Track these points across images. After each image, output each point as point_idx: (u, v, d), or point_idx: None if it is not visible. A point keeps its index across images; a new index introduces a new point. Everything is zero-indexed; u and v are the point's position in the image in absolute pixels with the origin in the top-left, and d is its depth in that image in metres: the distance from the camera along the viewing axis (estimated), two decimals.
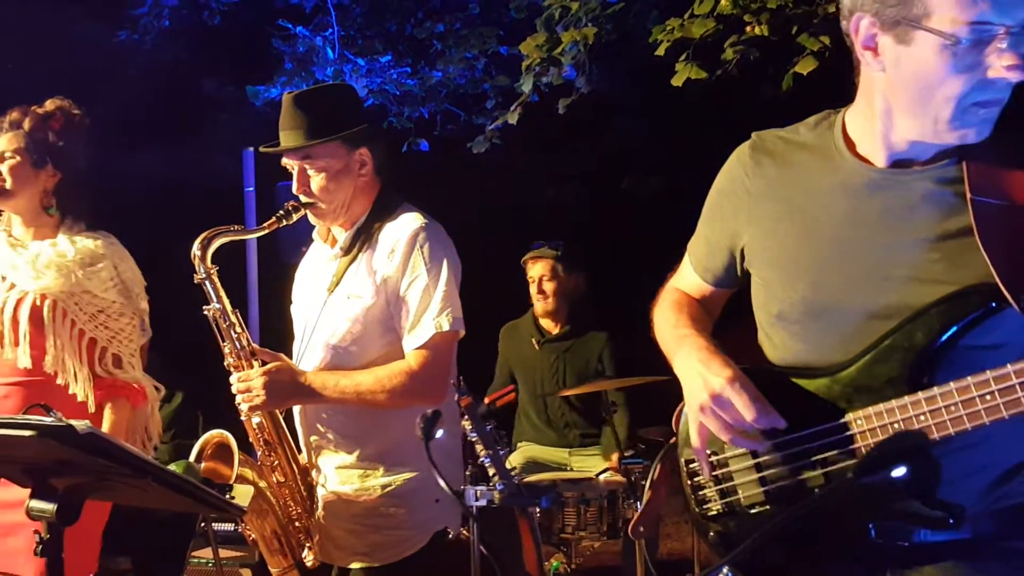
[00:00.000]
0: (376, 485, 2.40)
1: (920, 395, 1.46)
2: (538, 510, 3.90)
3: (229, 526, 3.88)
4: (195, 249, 2.42)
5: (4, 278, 2.68)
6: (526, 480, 4.22)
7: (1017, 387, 1.38)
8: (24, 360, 2.59)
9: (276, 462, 2.48)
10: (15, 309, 2.63)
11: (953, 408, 1.43)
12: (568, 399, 4.53)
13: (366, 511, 2.40)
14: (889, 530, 1.52)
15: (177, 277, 2.58)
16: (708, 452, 1.71)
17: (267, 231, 2.50)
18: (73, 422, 1.63)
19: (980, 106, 1.45)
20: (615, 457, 4.17)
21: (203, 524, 3.77)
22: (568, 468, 4.53)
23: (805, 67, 4.56)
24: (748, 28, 4.75)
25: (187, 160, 6.88)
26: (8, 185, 2.67)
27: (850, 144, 1.61)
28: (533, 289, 4.63)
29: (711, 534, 1.73)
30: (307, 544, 2.48)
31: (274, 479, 2.49)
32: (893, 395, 1.49)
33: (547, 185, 9.58)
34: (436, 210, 2.53)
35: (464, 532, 2.51)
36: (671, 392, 1.79)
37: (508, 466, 2.25)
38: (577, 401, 4.54)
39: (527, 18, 6.28)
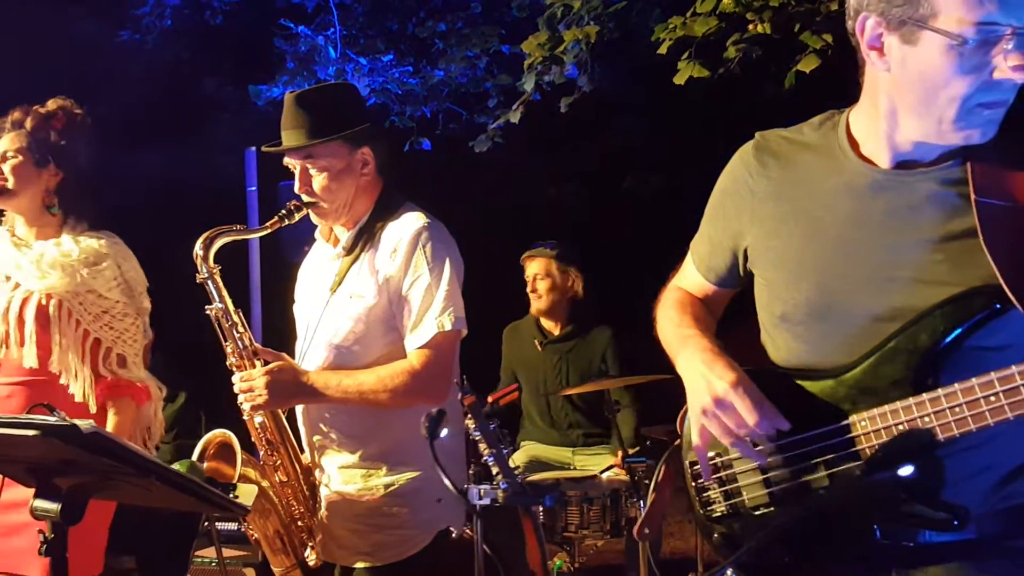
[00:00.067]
0: (379, 485, 2.40)
1: (924, 397, 1.46)
2: (541, 509, 3.90)
3: (232, 525, 3.88)
4: (197, 249, 2.41)
5: (8, 278, 2.68)
6: (529, 479, 4.22)
7: (1021, 388, 1.38)
8: (30, 360, 2.60)
9: (279, 462, 2.49)
10: (20, 309, 2.63)
11: (957, 410, 1.43)
12: (571, 399, 4.53)
13: (369, 511, 2.40)
14: (894, 531, 1.52)
15: (179, 277, 2.58)
16: (712, 454, 1.71)
17: (269, 231, 2.50)
18: (77, 421, 1.63)
19: (985, 107, 1.45)
20: (619, 455, 4.17)
21: (206, 523, 3.77)
22: (571, 467, 4.53)
23: (807, 65, 4.55)
24: (750, 26, 4.75)
25: (189, 160, 6.88)
26: (10, 185, 2.67)
27: (854, 144, 1.61)
28: (528, 288, 4.64)
29: (715, 535, 1.72)
30: (310, 543, 2.48)
31: (277, 479, 2.49)
32: (897, 397, 1.49)
33: (549, 184, 9.59)
34: (438, 209, 2.53)
35: (467, 531, 2.51)
36: (675, 391, 1.79)
37: (511, 465, 2.24)
38: (580, 401, 4.54)
39: (529, 17, 6.29)
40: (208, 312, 2.45)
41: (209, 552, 3.89)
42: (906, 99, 1.50)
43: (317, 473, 2.50)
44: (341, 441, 2.44)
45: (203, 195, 6.54)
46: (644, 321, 1.95)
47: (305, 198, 2.46)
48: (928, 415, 1.46)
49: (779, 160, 1.68)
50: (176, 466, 2.13)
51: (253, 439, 2.50)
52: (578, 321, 4.62)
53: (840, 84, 1.75)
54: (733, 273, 1.80)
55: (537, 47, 5.31)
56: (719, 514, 1.71)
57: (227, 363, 2.46)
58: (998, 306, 1.44)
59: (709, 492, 1.73)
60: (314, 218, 2.53)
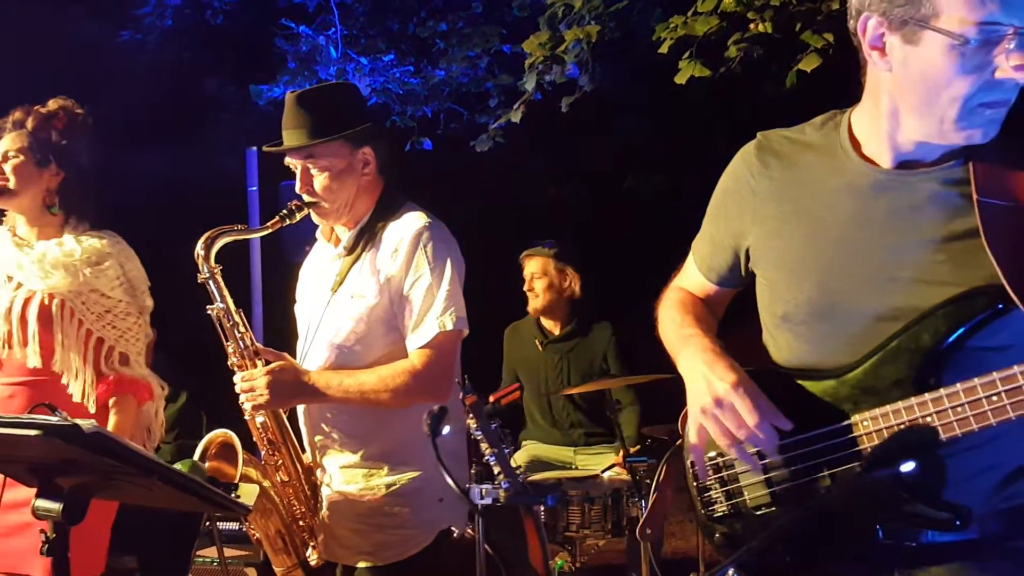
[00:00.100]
0: (380, 484, 2.40)
1: (927, 396, 1.46)
2: (543, 508, 3.90)
3: (234, 525, 3.88)
4: (198, 249, 2.41)
5: (11, 278, 2.68)
6: (530, 479, 4.22)
7: None
8: (34, 360, 2.60)
9: (280, 461, 2.49)
10: (23, 309, 2.64)
11: (960, 409, 1.42)
12: (572, 398, 4.53)
13: (370, 510, 2.40)
14: (896, 531, 1.52)
15: (180, 277, 2.59)
16: (713, 453, 1.71)
17: (270, 230, 2.50)
18: (79, 421, 1.63)
19: (987, 107, 1.45)
20: (620, 455, 4.17)
21: (208, 523, 3.77)
22: (573, 467, 4.53)
23: (809, 64, 4.55)
24: (752, 25, 4.74)
25: (190, 160, 6.88)
26: (12, 185, 2.68)
27: (856, 145, 1.61)
28: (525, 286, 4.65)
29: (717, 535, 1.72)
30: (311, 543, 2.48)
31: (278, 478, 2.49)
32: (899, 397, 1.49)
33: (550, 184, 9.59)
34: (439, 209, 2.53)
35: (468, 531, 2.51)
36: (676, 391, 1.79)
37: (512, 465, 2.24)
38: (582, 400, 4.54)
39: (530, 16, 6.28)
40: (209, 312, 2.45)
41: (211, 552, 3.89)
42: (908, 99, 1.50)
43: (319, 473, 2.50)
44: (343, 441, 2.44)
45: (204, 195, 6.54)
46: (646, 321, 1.95)
47: (306, 198, 2.46)
48: (930, 415, 1.45)
49: (781, 160, 1.68)
50: (178, 466, 2.14)
51: (255, 439, 2.50)
52: (579, 320, 4.62)
53: (841, 84, 1.75)
54: (735, 273, 1.80)
55: (538, 46, 5.31)
56: (720, 514, 1.71)
57: (228, 363, 2.46)
58: (1000, 306, 1.44)
59: (710, 492, 1.73)
60: (315, 218, 2.53)
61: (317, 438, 2.48)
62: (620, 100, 7.55)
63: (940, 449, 1.44)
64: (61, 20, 7.23)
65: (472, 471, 3.65)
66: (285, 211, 2.46)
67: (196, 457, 2.49)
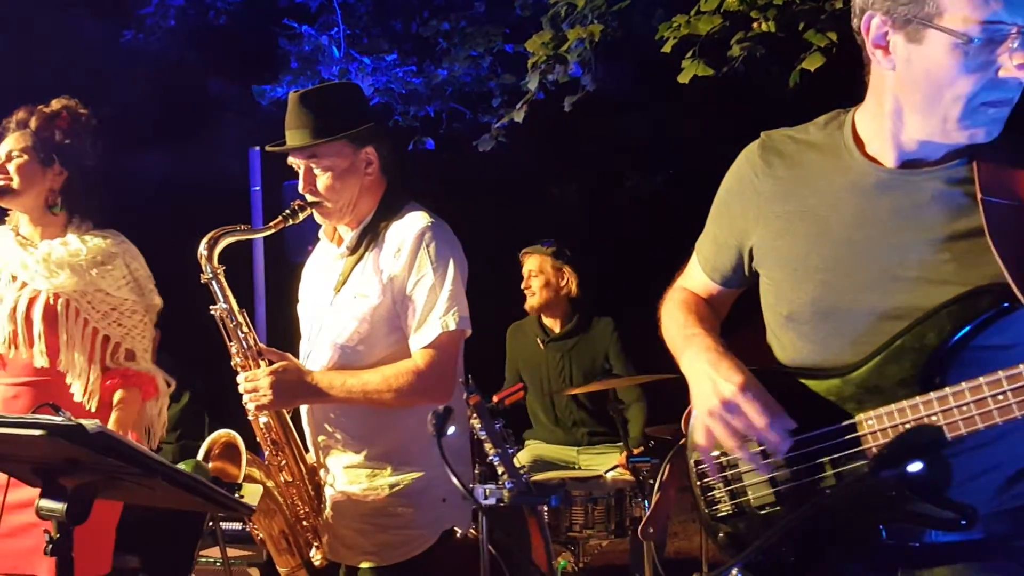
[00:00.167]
0: (384, 484, 2.40)
1: (932, 395, 1.45)
2: (546, 509, 3.90)
3: (237, 525, 3.88)
4: (201, 249, 2.42)
5: (15, 277, 2.68)
6: (534, 479, 4.22)
7: None
8: (41, 360, 2.61)
9: (283, 462, 2.49)
10: (28, 308, 2.64)
11: (965, 408, 1.42)
12: (576, 397, 4.53)
13: (374, 510, 2.40)
14: (900, 530, 1.52)
15: (184, 277, 2.59)
16: (717, 453, 1.71)
17: (273, 230, 2.50)
18: (83, 421, 1.63)
19: (990, 105, 1.45)
20: (623, 456, 4.16)
21: (211, 523, 3.77)
22: (576, 467, 4.53)
23: (812, 63, 4.55)
24: (755, 24, 4.74)
25: (193, 160, 6.89)
26: (15, 184, 2.68)
27: (860, 144, 1.61)
28: (523, 284, 4.65)
29: (721, 535, 1.72)
30: (315, 543, 2.48)
31: (281, 479, 2.49)
32: (904, 396, 1.49)
33: (553, 183, 9.58)
34: (442, 209, 2.52)
35: (472, 531, 2.51)
36: (679, 391, 1.79)
37: (516, 464, 2.25)
38: (585, 399, 4.54)
39: (533, 16, 6.28)
40: (212, 312, 2.45)
41: (214, 552, 3.90)
42: (911, 98, 1.50)
43: (322, 473, 2.50)
44: (346, 441, 2.44)
45: (207, 195, 6.54)
46: (648, 321, 1.94)
47: (309, 198, 2.46)
48: (936, 414, 1.45)
49: (785, 160, 1.68)
50: (182, 466, 2.14)
51: (258, 439, 2.50)
52: (579, 317, 4.62)
53: (845, 83, 1.74)
54: (738, 273, 1.80)
55: (541, 46, 5.31)
56: (724, 513, 1.71)
57: (232, 363, 2.46)
58: (1006, 304, 1.43)
59: (714, 491, 1.72)
60: (318, 218, 2.53)
61: (320, 438, 2.48)
62: (623, 99, 7.55)
63: (945, 448, 1.43)
64: (64, 20, 7.23)
65: (476, 471, 3.65)
66: (288, 211, 2.46)
67: (200, 457, 2.49)
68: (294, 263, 4.23)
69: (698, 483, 1.76)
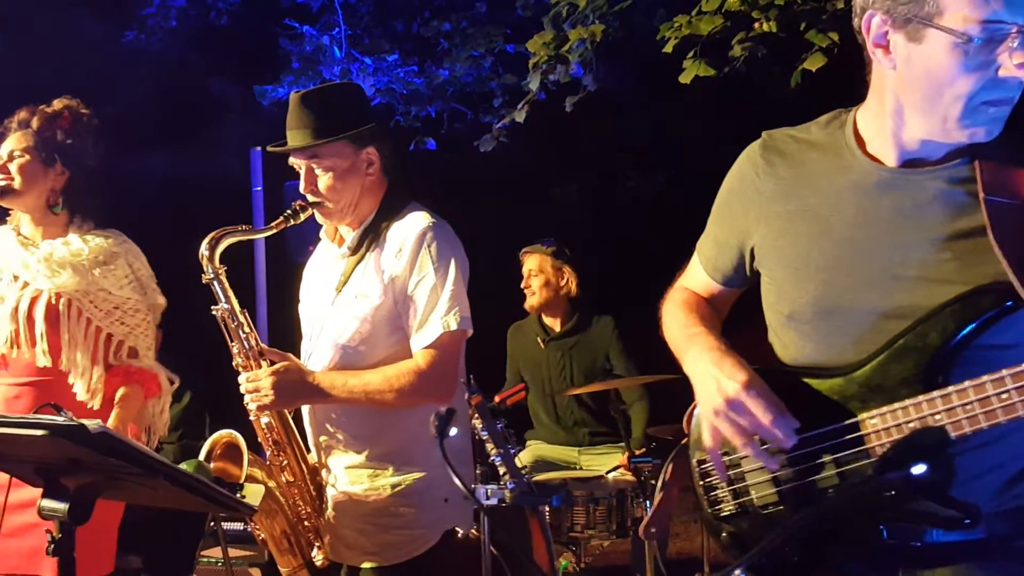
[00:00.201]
0: (386, 485, 2.40)
1: (935, 394, 1.45)
2: (548, 509, 3.89)
3: (239, 525, 3.88)
4: (203, 249, 2.42)
5: (16, 277, 2.69)
6: (535, 479, 4.22)
7: None
8: (43, 359, 2.61)
9: (285, 462, 2.49)
10: (30, 308, 2.64)
11: (969, 407, 1.42)
12: (577, 397, 4.52)
13: (376, 511, 2.40)
14: (901, 530, 1.52)
15: (185, 277, 2.59)
16: (720, 453, 1.70)
17: (275, 231, 2.50)
18: (85, 421, 1.63)
19: (990, 105, 1.45)
20: (625, 457, 4.16)
21: (212, 523, 3.78)
22: (577, 467, 4.53)
23: (814, 64, 4.55)
24: (756, 25, 4.74)
25: (194, 160, 6.89)
26: (17, 184, 2.68)
27: (861, 143, 1.61)
28: (523, 284, 4.65)
29: (723, 535, 1.72)
30: (317, 544, 2.48)
31: (283, 479, 2.49)
32: (908, 395, 1.49)
33: (554, 183, 9.59)
34: (443, 209, 2.52)
35: (474, 531, 2.51)
36: (681, 391, 1.78)
37: (518, 465, 2.24)
38: (587, 399, 4.53)
39: (534, 16, 6.28)
40: (214, 313, 2.45)
41: (215, 552, 3.90)
42: (912, 97, 1.50)
43: (324, 473, 2.50)
44: (348, 441, 2.44)
45: (208, 196, 6.54)
46: (649, 321, 1.94)
47: (310, 198, 2.46)
48: (939, 412, 1.45)
49: (786, 159, 1.68)
50: (184, 466, 2.14)
51: (259, 439, 2.50)
52: (579, 316, 4.62)
53: (847, 83, 1.74)
54: (740, 273, 1.80)
55: (542, 46, 5.31)
56: (727, 513, 1.71)
57: (233, 363, 2.46)
58: (1009, 303, 1.43)
59: (717, 491, 1.72)
60: (319, 218, 2.53)
61: (322, 438, 2.48)
62: (624, 100, 7.55)
63: (949, 448, 1.43)
64: (65, 21, 7.24)
65: (478, 471, 3.64)
66: (289, 211, 2.46)
67: (201, 457, 2.49)
68: (295, 263, 4.23)
69: (701, 483, 1.75)
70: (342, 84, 4.09)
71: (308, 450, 2.54)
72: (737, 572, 1.35)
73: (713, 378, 1.60)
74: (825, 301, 1.60)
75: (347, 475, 2.44)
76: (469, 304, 2.42)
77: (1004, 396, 1.39)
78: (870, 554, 1.55)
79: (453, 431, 2.10)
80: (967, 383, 1.42)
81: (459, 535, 2.45)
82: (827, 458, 1.56)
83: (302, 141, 2.43)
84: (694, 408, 1.76)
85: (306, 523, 2.49)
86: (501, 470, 2.25)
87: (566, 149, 8.66)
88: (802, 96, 4.75)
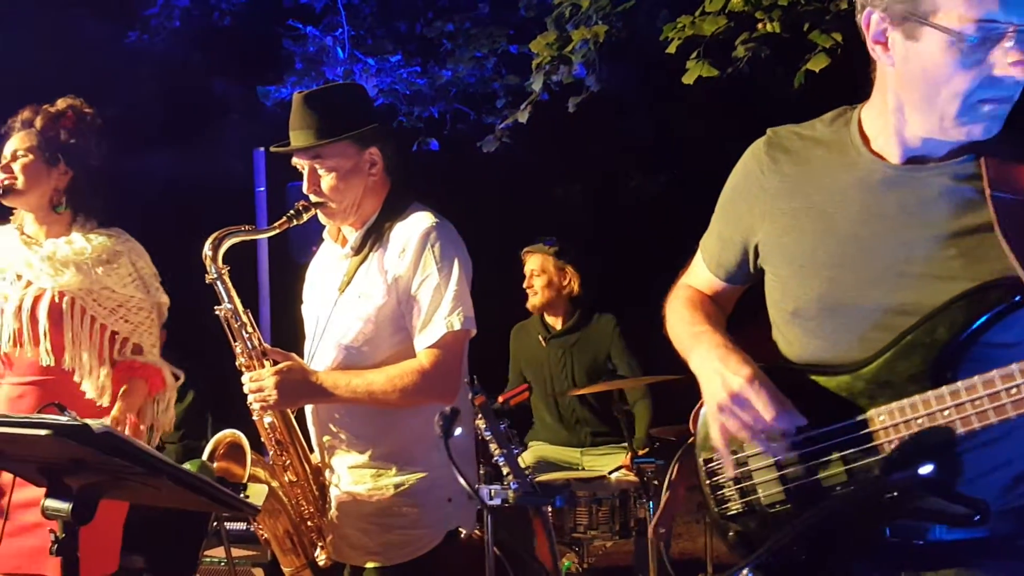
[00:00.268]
0: (389, 484, 2.40)
1: (944, 389, 1.45)
2: (551, 509, 3.89)
3: (241, 525, 3.89)
4: (206, 249, 2.42)
5: (20, 276, 2.69)
6: (538, 479, 4.21)
7: None
8: (46, 358, 2.61)
9: (288, 462, 2.49)
10: (33, 307, 2.64)
11: (978, 402, 1.41)
12: (580, 395, 4.52)
13: (379, 510, 2.40)
14: (905, 529, 1.51)
15: (188, 277, 2.59)
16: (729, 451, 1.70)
17: (278, 231, 2.50)
18: (89, 421, 1.63)
19: (986, 103, 1.45)
20: (628, 457, 4.16)
21: (216, 523, 3.78)
22: (579, 468, 4.52)
23: (817, 64, 4.54)
24: (759, 25, 4.73)
25: (198, 160, 6.90)
26: (20, 184, 2.69)
27: (866, 140, 1.61)
28: (525, 283, 4.65)
29: (731, 534, 1.71)
30: (320, 543, 2.48)
31: (286, 479, 2.49)
32: (916, 391, 1.48)
33: (557, 183, 9.59)
34: (446, 209, 2.52)
35: (477, 532, 2.50)
36: (683, 391, 1.78)
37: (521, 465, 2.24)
38: (590, 397, 4.53)
39: (537, 16, 6.28)
40: (217, 312, 2.45)
41: (218, 552, 3.90)
42: (910, 95, 1.51)
43: (327, 473, 2.50)
44: (351, 441, 2.44)
45: (211, 196, 6.56)
46: (651, 321, 1.94)
47: (313, 198, 2.46)
48: (948, 408, 1.44)
49: (791, 156, 1.68)
50: (187, 466, 2.14)
51: (263, 439, 2.50)
52: (580, 313, 4.62)
53: (850, 83, 1.74)
54: (744, 270, 1.80)
55: (545, 47, 5.31)
56: (734, 512, 1.70)
57: (236, 363, 2.46)
58: (1018, 298, 1.43)
59: (723, 490, 1.72)
60: (322, 218, 2.53)
61: (325, 438, 2.48)
62: (627, 100, 7.55)
63: (957, 445, 1.43)
64: (69, 21, 7.25)
65: (481, 472, 3.64)
66: (292, 211, 2.46)
67: (204, 457, 2.49)
68: (298, 264, 4.23)
69: (707, 482, 1.75)
70: (345, 84, 4.10)
71: (311, 450, 2.54)
72: (745, 571, 1.35)
73: (718, 374, 1.60)
74: (830, 298, 1.60)
75: (350, 475, 2.44)
76: (472, 304, 2.42)
77: (1013, 390, 1.38)
78: (876, 553, 1.55)
79: (458, 431, 2.10)
80: (976, 378, 1.42)
81: (462, 535, 2.45)
82: (835, 455, 1.56)
83: (305, 141, 2.43)
84: (700, 407, 1.76)
85: (309, 523, 2.49)
86: (504, 470, 2.25)
87: (569, 150, 8.66)
88: (805, 97, 4.74)
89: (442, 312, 2.35)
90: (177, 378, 2.85)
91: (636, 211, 9.17)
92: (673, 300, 1.88)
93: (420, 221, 2.42)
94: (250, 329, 2.44)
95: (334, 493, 2.47)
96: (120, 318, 2.71)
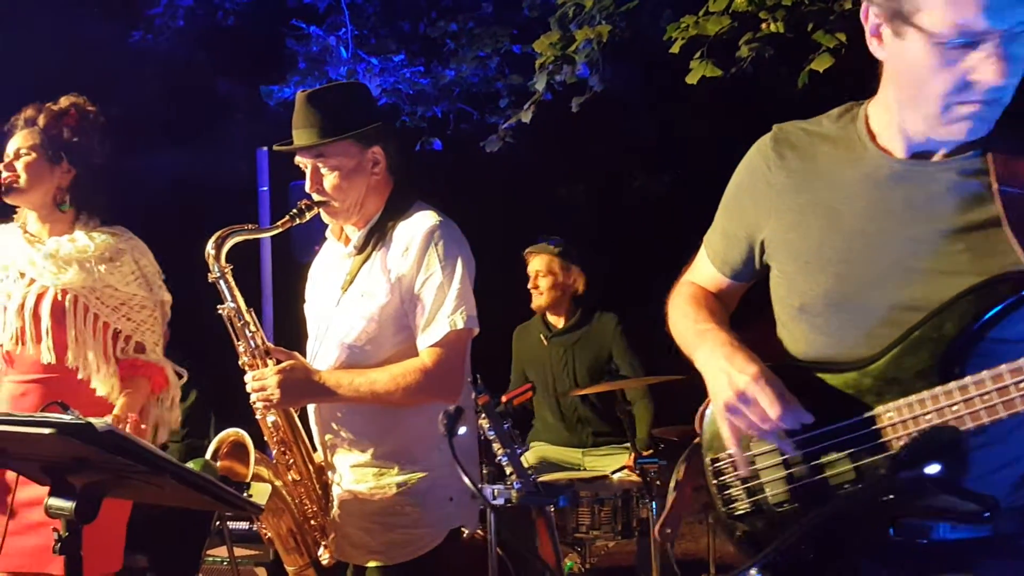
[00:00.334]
0: (391, 483, 2.40)
1: (952, 385, 1.45)
2: (552, 509, 3.89)
3: (244, 524, 3.88)
4: (209, 248, 2.42)
5: (23, 274, 2.69)
6: (540, 479, 4.21)
7: None
8: (48, 356, 2.61)
9: (291, 461, 2.48)
10: (36, 304, 2.64)
11: (987, 397, 1.41)
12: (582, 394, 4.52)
13: (381, 509, 2.39)
14: (909, 528, 1.51)
15: (191, 276, 2.59)
16: (732, 451, 1.69)
17: (281, 230, 2.50)
18: (92, 420, 1.63)
19: (964, 105, 1.45)
20: (631, 458, 4.16)
21: (218, 523, 3.78)
22: (581, 468, 4.52)
23: (821, 64, 4.54)
24: (763, 25, 4.73)
25: (201, 160, 6.91)
26: (22, 182, 2.69)
27: (872, 136, 1.61)
28: (530, 283, 4.64)
29: (738, 533, 1.71)
30: (323, 542, 2.48)
31: (289, 478, 2.49)
32: (924, 387, 1.48)
33: (560, 183, 9.59)
34: (449, 209, 2.52)
35: (479, 531, 2.50)
36: (685, 392, 1.78)
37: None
38: (592, 396, 4.52)
39: (540, 16, 6.28)
40: (220, 311, 2.45)
41: (221, 551, 3.90)
42: (901, 91, 1.52)
43: (329, 472, 2.50)
44: (353, 440, 2.44)
45: (215, 195, 6.57)
46: (653, 322, 1.94)
47: (316, 197, 2.46)
48: (956, 403, 1.44)
49: (798, 152, 1.68)
50: (190, 464, 2.14)
51: (266, 438, 2.50)
52: (581, 312, 4.61)
53: (854, 83, 1.74)
54: (748, 267, 1.79)
55: (549, 46, 5.30)
56: (741, 512, 1.70)
57: (239, 362, 2.46)
58: None
59: (731, 490, 1.72)
60: (325, 217, 2.53)
61: (327, 437, 2.48)
62: (631, 100, 7.55)
63: (967, 441, 1.43)
64: (72, 21, 7.26)
65: (484, 471, 3.64)
66: (295, 210, 2.46)
67: (208, 456, 2.49)
68: (301, 263, 4.23)
69: (714, 482, 1.75)
70: (348, 84, 4.09)
71: (314, 449, 2.54)
72: (752, 571, 1.34)
73: (724, 372, 1.60)
74: (837, 294, 1.60)
75: (352, 474, 2.44)
76: (475, 303, 2.42)
77: (1023, 384, 1.38)
78: (882, 552, 1.54)
79: (462, 430, 2.10)
80: (984, 373, 1.41)
81: (465, 535, 2.44)
82: (843, 453, 1.55)
83: (308, 140, 2.43)
84: (705, 408, 1.76)
85: (312, 522, 2.49)
86: (508, 470, 2.25)
87: (572, 150, 8.66)
88: (809, 97, 4.73)
89: (445, 311, 2.35)
90: (180, 377, 2.86)
91: (639, 211, 9.17)
92: (676, 297, 1.88)
93: (423, 220, 2.42)
94: (253, 328, 2.44)
95: (336, 492, 2.47)
96: (123, 316, 2.71)
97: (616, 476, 4.21)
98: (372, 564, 2.41)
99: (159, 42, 8.50)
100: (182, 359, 2.98)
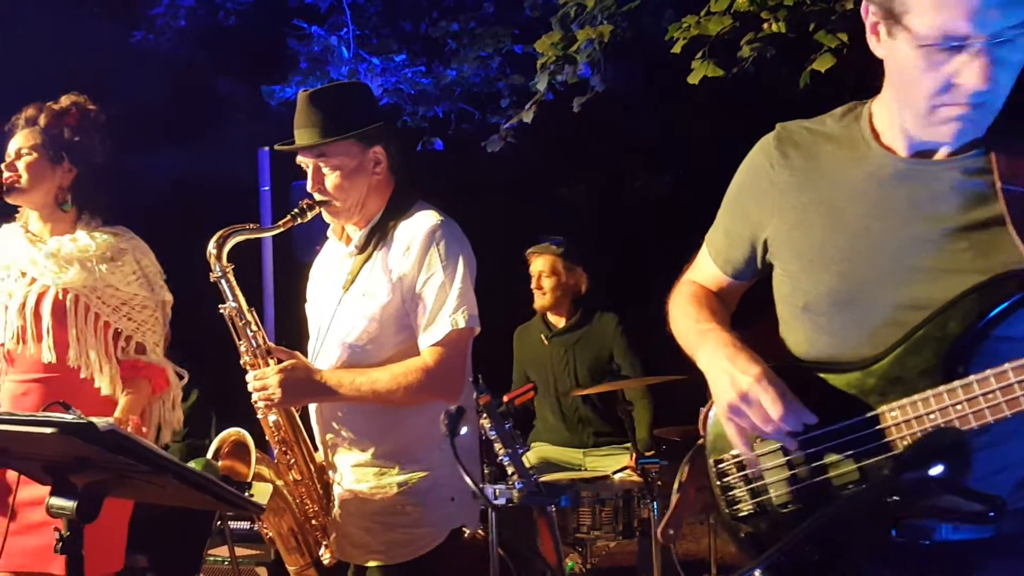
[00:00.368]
0: (392, 483, 2.40)
1: (956, 384, 1.44)
2: (554, 509, 3.89)
3: (245, 524, 3.88)
4: (211, 248, 2.42)
5: (24, 273, 2.69)
6: (542, 479, 4.21)
7: None
8: (48, 355, 2.61)
9: (293, 460, 2.49)
10: (37, 303, 2.64)
11: (991, 396, 1.41)
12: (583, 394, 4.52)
13: (382, 509, 2.39)
14: (911, 529, 1.51)
15: (193, 276, 2.59)
16: (737, 451, 1.69)
17: (282, 229, 2.50)
18: (94, 419, 1.63)
19: (951, 107, 1.45)
20: (632, 458, 4.16)
21: (219, 522, 3.78)
22: (582, 469, 4.52)
23: (823, 64, 4.54)
24: (765, 25, 4.73)
25: (203, 159, 6.91)
26: (23, 182, 2.69)
27: (876, 135, 1.61)
28: (533, 284, 4.64)
29: (742, 534, 1.71)
30: (324, 542, 2.48)
31: (291, 477, 2.49)
32: (927, 386, 1.48)
33: (561, 183, 9.59)
34: (450, 209, 2.52)
35: (480, 531, 2.50)
36: (686, 392, 1.78)
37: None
38: (593, 396, 4.52)
39: (542, 16, 6.28)
40: (222, 311, 2.45)
41: (222, 551, 3.90)
42: (896, 91, 1.53)
43: (331, 472, 2.50)
44: (354, 439, 2.44)
45: (216, 195, 6.56)
46: (655, 322, 1.93)
47: (318, 196, 2.46)
48: (960, 403, 1.44)
49: (801, 150, 1.68)
50: (192, 464, 2.14)
51: (267, 438, 2.50)
52: (582, 311, 4.61)
53: (855, 83, 1.74)
54: (751, 266, 1.79)
55: (550, 47, 5.31)
56: (745, 513, 1.70)
57: (241, 362, 2.46)
58: None
59: (734, 491, 1.71)
60: (326, 217, 2.53)
61: (328, 436, 2.48)
62: (632, 100, 7.55)
63: (971, 442, 1.43)
64: (73, 21, 7.26)
65: (485, 471, 3.64)
66: (296, 210, 2.46)
67: (209, 456, 2.49)
68: (302, 262, 4.23)
69: (718, 483, 1.75)
70: (350, 83, 4.09)
71: (315, 448, 2.54)
72: (756, 572, 1.34)
73: (727, 373, 1.60)
74: (841, 293, 1.60)
75: (353, 473, 2.44)
76: (476, 302, 2.42)
77: None
78: (884, 553, 1.54)
79: (463, 430, 2.09)
80: (988, 371, 1.41)
81: (466, 534, 2.44)
82: (847, 454, 1.55)
83: (309, 140, 2.43)
84: (708, 409, 1.75)
85: (314, 521, 2.49)
86: (509, 470, 2.25)
87: (573, 150, 8.66)
88: (810, 97, 4.73)
89: (447, 310, 2.35)
90: (181, 377, 2.86)
91: (641, 211, 9.17)
92: (677, 296, 1.87)
93: (425, 219, 2.42)
94: (254, 327, 2.44)
95: (337, 491, 2.47)
96: (124, 316, 2.71)
97: (617, 476, 4.20)
98: (373, 564, 2.41)
99: (160, 42, 8.50)
100: (183, 359, 2.98)
